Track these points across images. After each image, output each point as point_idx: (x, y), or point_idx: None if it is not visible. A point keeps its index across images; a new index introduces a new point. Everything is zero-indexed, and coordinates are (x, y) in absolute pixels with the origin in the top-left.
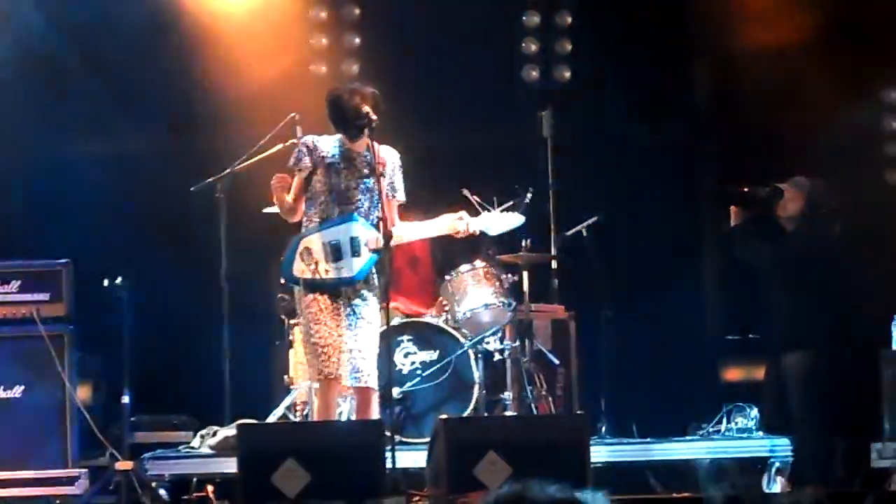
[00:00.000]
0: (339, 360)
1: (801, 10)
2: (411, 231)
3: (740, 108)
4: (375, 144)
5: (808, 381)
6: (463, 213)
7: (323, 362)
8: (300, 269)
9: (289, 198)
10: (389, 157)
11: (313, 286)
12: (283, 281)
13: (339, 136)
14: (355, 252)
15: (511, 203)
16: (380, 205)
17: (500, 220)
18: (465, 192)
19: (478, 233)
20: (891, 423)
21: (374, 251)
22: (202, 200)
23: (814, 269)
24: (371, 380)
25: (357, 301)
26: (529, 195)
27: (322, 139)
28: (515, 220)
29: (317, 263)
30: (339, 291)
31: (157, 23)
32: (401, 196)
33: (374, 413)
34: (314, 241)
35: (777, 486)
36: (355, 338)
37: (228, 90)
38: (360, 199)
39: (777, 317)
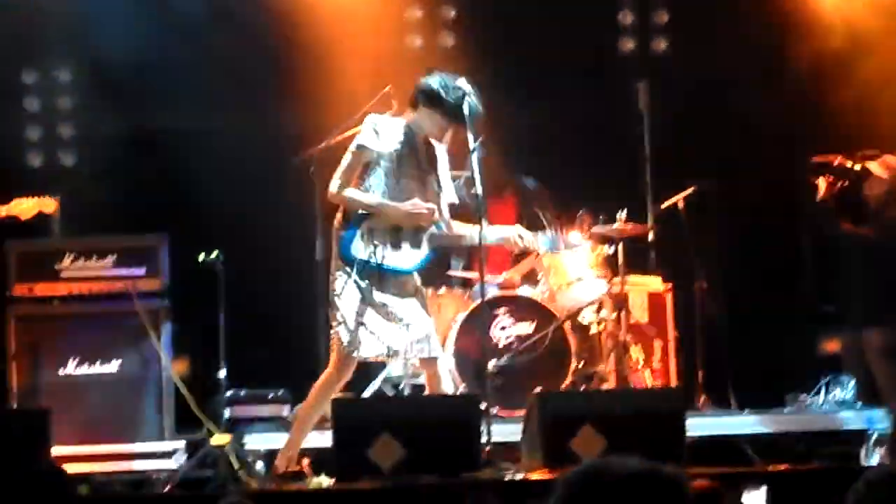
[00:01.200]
0: (395, 337)
1: None
2: (461, 232)
3: (847, 79)
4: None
5: (890, 356)
6: (519, 229)
7: (366, 340)
8: (359, 248)
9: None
10: (440, 154)
11: (369, 269)
12: (339, 259)
13: (406, 122)
14: (416, 243)
15: (580, 236)
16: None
17: (557, 243)
18: (538, 211)
19: (531, 249)
20: None
21: (433, 248)
22: (298, 175)
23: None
24: (436, 349)
25: (404, 288)
26: (600, 222)
27: (394, 122)
28: (577, 245)
29: (376, 247)
30: (390, 280)
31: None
32: (447, 195)
33: (451, 381)
34: (379, 224)
35: (876, 457)
36: (408, 312)
37: (323, 64)
38: (425, 190)
39: (857, 292)
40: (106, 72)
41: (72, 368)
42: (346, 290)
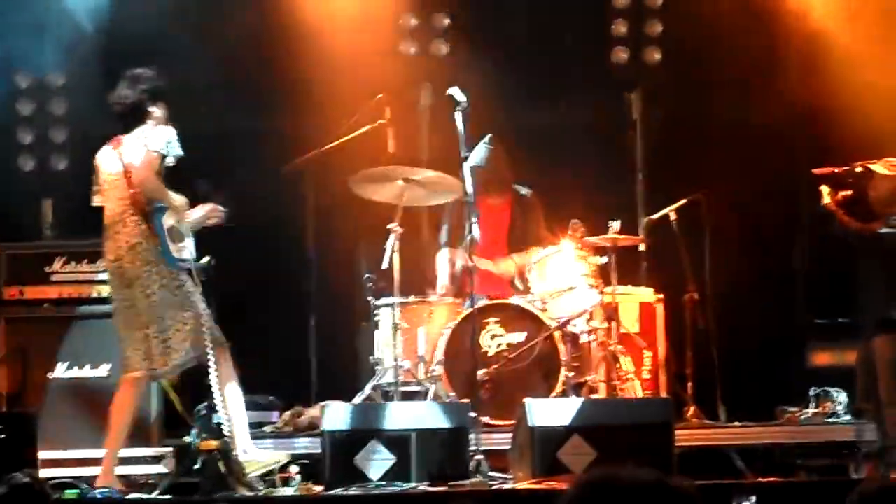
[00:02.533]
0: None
1: None
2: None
3: (838, 85)
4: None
5: None
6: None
7: (205, 338)
8: (175, 249)
9: None
10: None
11: (182, 266)
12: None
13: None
14: (188, 234)
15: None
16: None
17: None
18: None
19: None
20: None
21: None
22: (289, 181)
23: None
24: None
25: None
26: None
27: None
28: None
29: (180, 246)
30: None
31: (242, 2)
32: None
33: None
34: (169, 220)
35: (864, 471)
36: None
37: (316, 71)
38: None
39: (869, 298)
40: (98, 75)
41: (61, 372)
42: (188, 294)
